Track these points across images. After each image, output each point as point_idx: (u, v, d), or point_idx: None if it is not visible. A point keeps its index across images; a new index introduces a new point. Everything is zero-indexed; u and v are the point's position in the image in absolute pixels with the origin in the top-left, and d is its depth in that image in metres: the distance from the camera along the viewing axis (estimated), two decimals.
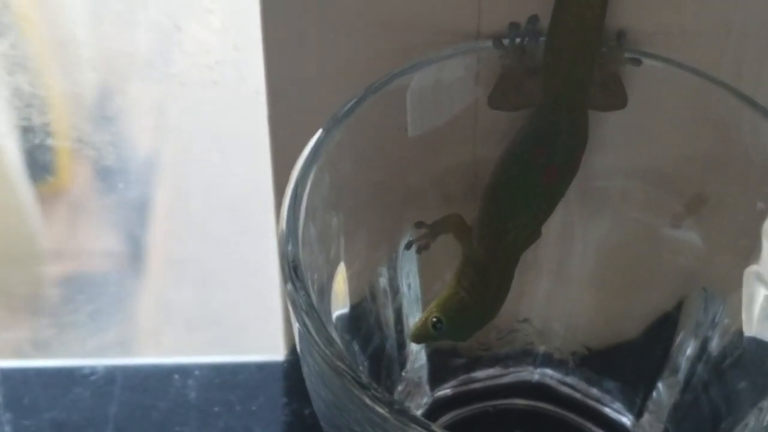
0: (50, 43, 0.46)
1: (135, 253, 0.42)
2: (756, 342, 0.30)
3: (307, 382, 0.26)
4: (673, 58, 0.29)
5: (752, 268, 0.30)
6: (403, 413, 0.21)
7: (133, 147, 0.44)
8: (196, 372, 0.37)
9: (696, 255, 0.31)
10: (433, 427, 0.21)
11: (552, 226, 0.31)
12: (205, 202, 0.43)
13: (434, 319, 0.30)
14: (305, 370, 0.26)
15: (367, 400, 0.22)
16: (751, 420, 0.27)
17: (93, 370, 0.36)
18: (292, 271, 0.24)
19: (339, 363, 0.23)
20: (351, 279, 0.29)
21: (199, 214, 0.43)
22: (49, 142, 0.44)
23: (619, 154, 0.30)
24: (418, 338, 0.31)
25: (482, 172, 0.30)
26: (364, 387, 0.22)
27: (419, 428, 0.21)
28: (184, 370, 0.37)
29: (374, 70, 0.28)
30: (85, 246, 0.43)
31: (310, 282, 0.25)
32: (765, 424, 0.25)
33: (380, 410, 0.22)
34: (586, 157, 0.29)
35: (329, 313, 0.28)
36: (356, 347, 0.30)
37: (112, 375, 0.36)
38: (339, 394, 0.23)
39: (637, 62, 0.29)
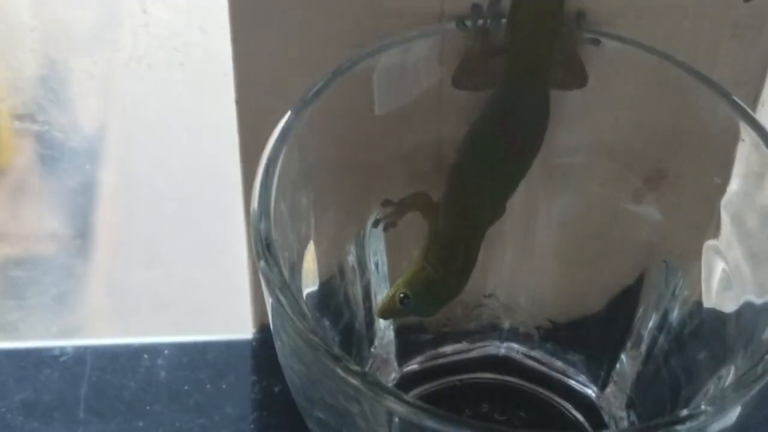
0: None
1: (84, 235, 0.42)
2: (714, 313, 0.30)
3: (281, 358, 0.27)
4: (631, 38, 0.29)
5: (710, 243, 0.30)
6: (375, 384, 0.22)
7: (80, 126, 0.44)
8: (166, 351, 0.37)
9: (656, 229, 0.32)
10: (405, 397, 0.22)
11: (516, 203, 0.31)
12: (172, 184, 0.43)
13: (401, 295, 0.30)
14: (278, 345, 0.26)
15: (341, 372, 0.22)
16: (711, 388, 0.28)
17: (62, 351, 0.36)
18: (265, 248, 0.25)
19: (312, 337, 0.23)
20: (320, 257, 0.30)
21: (163, 196, 0.43)
22: None
23: (580, 131, 0.31)
24: (385, 314, 0.31)
25: (447, 151, 0.30)
26: (337, 359, 0.22)
27: (392, 398, 0.22)
28: (153, 350, 0.37)
29: (341, 52, 0.29)
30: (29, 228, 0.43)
31: (281, 260, 0.26)
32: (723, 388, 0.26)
33: (353, 381, 0.22)
34: (549, 135, 0.30)
35: (300, 290, 0.28)
36: (327, 324, 0.31)
37: (81, 356, 0.36)
38: (312, 367, 0.24)
39: (596, 42, 0.29)
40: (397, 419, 0.24)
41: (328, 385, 0.24)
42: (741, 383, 0.24)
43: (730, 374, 0.27)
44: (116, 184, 0.43)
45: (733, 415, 0.24)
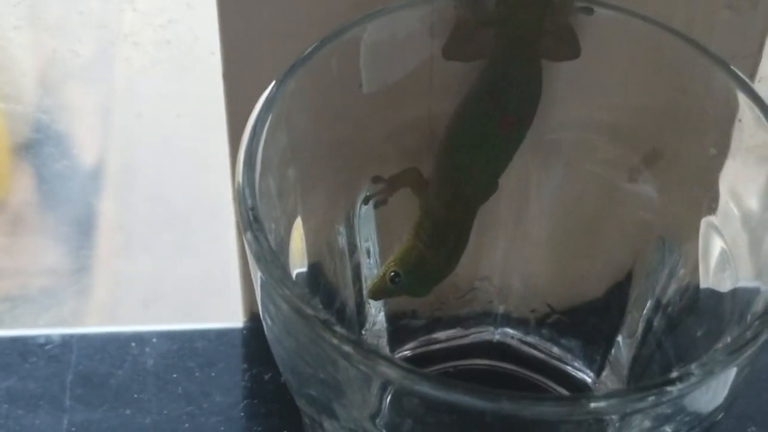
0: None
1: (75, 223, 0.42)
2: (710, 292, 0.30)
3: (269, 335, 0.26)
4: (625, 6, 0.29)
5: (708, 219, 0.30)
6: (368, 349, 0.21)
7: (68, 108, 0.43)
8: (154, 340, 0.36)
9: (653, 208, 0.31)
10: (398, 361, 0.21)
11: (508, 182, 0.31)
12: (158, 167, 0.43)
13: (392, 273, 0.30)
14: (266, 321, 0.26)
15: (332, 339, 0.22)
16: None
17: (48, 340, 0.36)
18: (251, 218, 0.24)
19: (302, 304, 0.22)
20: (308, 236, 0.29)
21: (151, 181, 0.43)
22: None
23: (574, 105, 0.30)
24: (376, 293, 0.31)
25: (438, 126, 0.30)
26: (328, 326, 0.22)
27: (384, 362, 0.21)
28: (141, 338, 0.36)
29: (330, 26, 0.28)
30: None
31: (268, 232, 0.25)
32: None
33: (345, 348, 0.22)
34: (541, 110, 0.29)
35: (288, 268, 0.28)
36: (318, 305, 0.30)
37: (68, 344, 0.36)
38: (302, 339, 0.23)
39: (589, 11, 0.29)
40: (389, 393, 0.24)
41: (319, 356, 0.23)
42: (731, 347, 0.23)
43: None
44: (95, 169, 0.42)
45: (726, 381, 0.23)
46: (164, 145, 0.43)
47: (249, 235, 0.24)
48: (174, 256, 0.41)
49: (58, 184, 0.42)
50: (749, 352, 0.24)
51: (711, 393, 0.24)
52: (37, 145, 0.43)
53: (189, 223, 0.42)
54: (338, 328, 0.22)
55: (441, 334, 0.35)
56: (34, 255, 0.42)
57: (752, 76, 0.32)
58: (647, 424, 0.24)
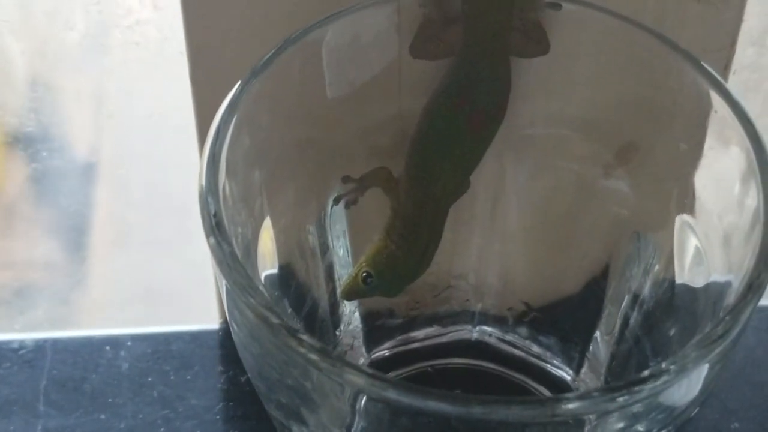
0: None
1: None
2: (686, 286, 0.30)
3: (236, 340, 0.26)
4: (594, 2, 0.29)
5: (683, 217, 0.30)
6: (334, 357, 0.21)
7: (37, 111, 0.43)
8: (128, 343, 0.36)
9: (628, 205, 0.31)
10: (365, 368, 0.21)
11: (482, 179, 0.31)
12: (132, 169, 0.42)
13: (364, 274, 0.30)
14: (233, 328, 0.25)
15: (298, 347, 0.21)
16: None
17: (22, 344, 0.36)
18: (214, 224, 0.24)
19: (267, 312, 0.22)
20: (278, 237, 0.29)
21: (125, 183, 0.42)
22: None
23: (545, 101, 0.30)
24: (348, 294, 0.30)
25: (408, 125, 0.29)
26: (293, 333, 0.22)
27: (351, 370, 0.21)
28: (115, 342, 0.36)
29: (297, 25, 0.28)
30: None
31: (234, 237, 0.25)
32: None
33: (312, 356, 0.21)
34: (513, 106, 0.29)
35: (256, 271, 0.27)
36: (289, 310, 0.30)
37: (41, 349, 0.36)
38: (268, 346, 0.23)
39: (557, 7, 0.28)
40: (362, 400, 0.23)
41: (286, 363, 0.23)
42: (702, 343, 0.23)
43: None
44: (73, 171, 0.42)
45: (698, 379, 0.23)
46: (140, 149, 0.42)
47: (212, 240, 0.24)
48: (148, 257, 0.41)
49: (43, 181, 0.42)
50: (720, 348, 0.23)
51: (684, 389, 0.24)
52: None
53: (163, 224, 0.41)
54: (304, 336, 0.22)
55: (418, 333, 0.35)
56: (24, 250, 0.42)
57: (726, 68, 0.32)
58: (621, 424, 0.24)
